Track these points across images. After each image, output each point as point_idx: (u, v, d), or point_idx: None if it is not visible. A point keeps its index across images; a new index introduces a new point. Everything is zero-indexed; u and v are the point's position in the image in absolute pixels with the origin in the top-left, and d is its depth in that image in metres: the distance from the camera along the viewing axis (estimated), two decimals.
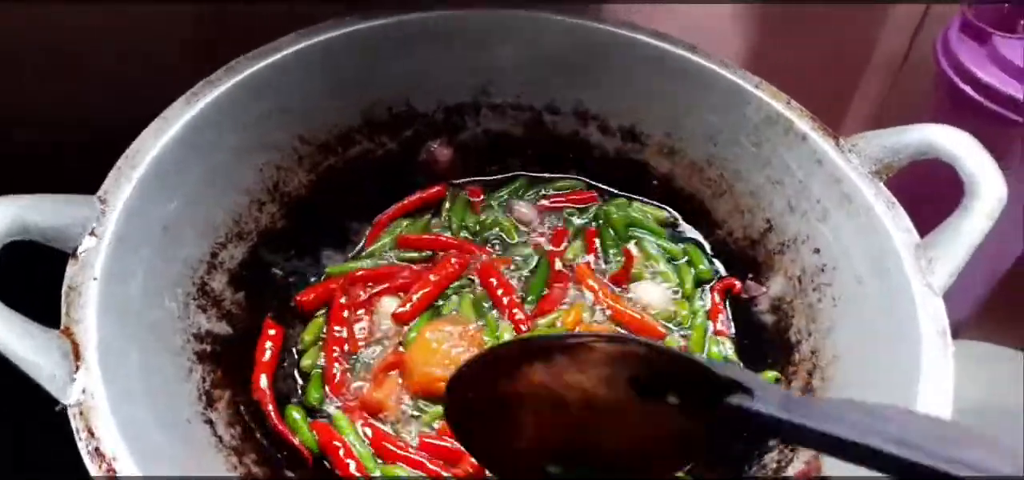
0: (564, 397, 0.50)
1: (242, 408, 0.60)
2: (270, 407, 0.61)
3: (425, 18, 0.76)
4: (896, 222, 0.63)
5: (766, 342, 0.69)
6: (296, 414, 0.63)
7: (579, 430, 0.52)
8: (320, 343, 0.69)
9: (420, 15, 0.75)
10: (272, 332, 0.66)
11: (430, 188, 0.81)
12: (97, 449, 0.48)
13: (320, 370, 0.67)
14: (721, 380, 0.44)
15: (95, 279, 0.54)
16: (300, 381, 0.67)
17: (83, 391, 0.50)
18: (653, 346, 0.51)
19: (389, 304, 0.71)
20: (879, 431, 0.38)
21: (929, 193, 0.66)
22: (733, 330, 0.73)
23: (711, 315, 0.73)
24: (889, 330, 0.60)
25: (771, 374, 0.66)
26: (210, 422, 0.57)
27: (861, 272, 0.65)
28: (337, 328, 0.69)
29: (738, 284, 0.74)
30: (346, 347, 0.68)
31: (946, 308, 0.59)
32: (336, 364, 0.67)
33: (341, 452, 0.61)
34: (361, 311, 0.71)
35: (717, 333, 0.71)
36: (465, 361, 0.53)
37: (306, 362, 0.67)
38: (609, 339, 0.50)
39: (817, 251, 0.69)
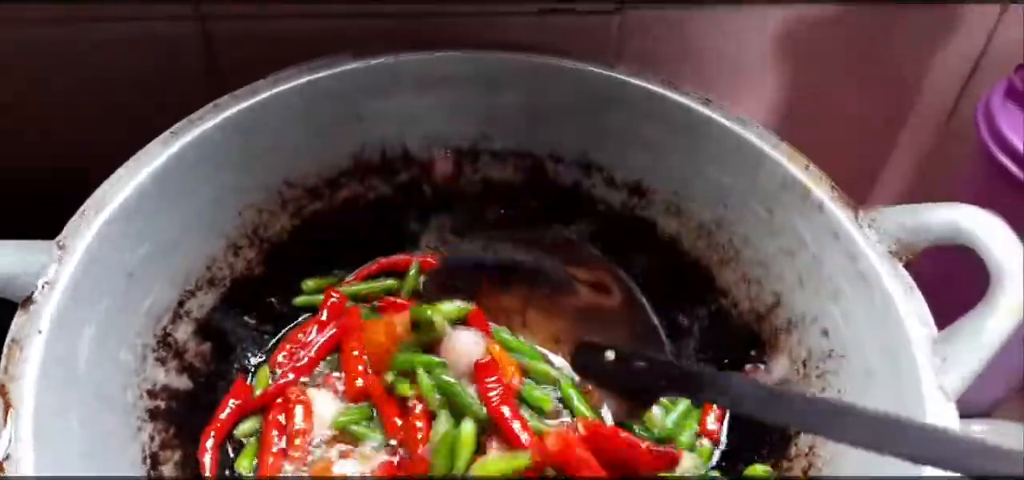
0: None
1: (192, 470, 0.58)
2: (207, 472, 0.58)
3: (424, 60, 0.72)
4: (913, 311, 0.57)
5: (762, 430, 0.63)
6: None
7: None
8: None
9: (418, 56, 0.72)
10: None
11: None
12: None
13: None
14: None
15: (40, 332, 0.52)
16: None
17: (7, 457, 0.48)
18: None
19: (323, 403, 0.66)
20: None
21: (955, 276, 0.60)
22: (724, 434, 0.68)
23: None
24: None
25: (761, 468, 0.60)
26: None
27: (871, 363, 0.59)
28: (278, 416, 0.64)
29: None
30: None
31: (983, 385, 0.54)
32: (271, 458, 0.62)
33: None
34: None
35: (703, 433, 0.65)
36: None
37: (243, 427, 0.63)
38: None
39: (825, 333, 0.63)
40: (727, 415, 0.69)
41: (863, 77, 0.89)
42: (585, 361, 0.69)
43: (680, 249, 0.74)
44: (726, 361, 0.70)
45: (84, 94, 0.77)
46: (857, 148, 0.93)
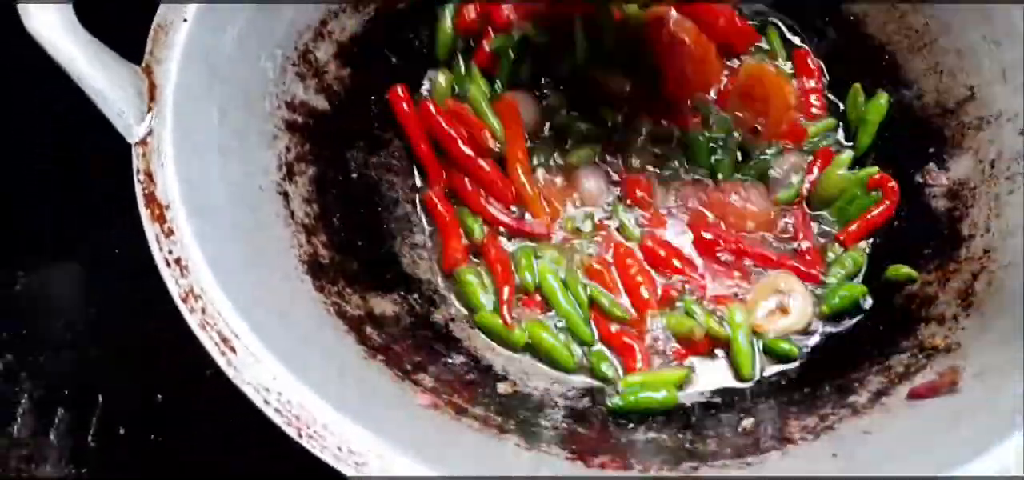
0: None
1: (325, 188, 0.57)
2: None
3: None
4: None
5: (930, 230, 0.57)
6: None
7: None
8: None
9: None
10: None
11: None
12: (152, 194, 0.46)
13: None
14: None
15: (185, 20, 0.51)
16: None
17: (150, 133, 0.48)
18: None
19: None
20: None
21: None
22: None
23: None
24: None
25: (905, 270, 0.58)
26: (285, 194, 0.54)
27: None
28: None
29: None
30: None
31: None
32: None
33: None
34: None
35: None
36: None
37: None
38: None
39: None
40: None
41: None
42: None
43: (863, 32, 0.65)
44: (900, 158, 0.63)
45: None
46: None
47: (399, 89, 0.65)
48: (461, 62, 0.68)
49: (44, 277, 0.66)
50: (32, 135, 0.69)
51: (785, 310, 0.59)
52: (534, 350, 0.59)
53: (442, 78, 0.67)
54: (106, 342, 0.63)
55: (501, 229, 0.63)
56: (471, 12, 0.67)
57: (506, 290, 0.60)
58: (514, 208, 0.64)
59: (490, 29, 0.67)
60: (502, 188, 0.63)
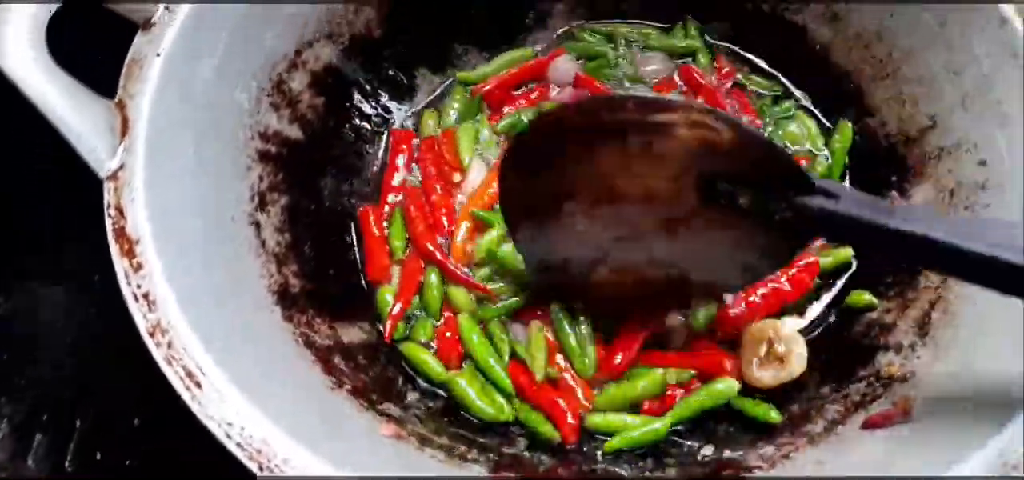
0: (622, 193, 0.50)
1: (297, 217, 0.58)
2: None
3: None
4: None
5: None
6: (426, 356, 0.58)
7: (629, 240, 0.52)
8: None
9: None
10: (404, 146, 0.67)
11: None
12: (122, 229, 0.47)
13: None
14: (804, 180, 0.45)
15: (159, 55, 0.52)
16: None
17: (122, 167, 0.49)
18: (744, 129, 0.47)
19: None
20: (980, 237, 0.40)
21: None
22: None
23: None
24: None
25: (868, 297, 0.58)
26: (257, 225, 0.55)
27: None
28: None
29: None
30: None
31: None
32: None
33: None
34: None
35: None
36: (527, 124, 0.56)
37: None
38: (692, 110, 0.47)
39: (983, 163, 0.56)
40: None
41: None
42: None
43: (829, 60, 0.66)
44: (863, 186, 0.64)
45: None
46: None
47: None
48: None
49: (24, 301, 0.67)
50: (32, 135, 0.69)
51: (780, 358, 0.55)
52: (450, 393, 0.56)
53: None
54: (85, 367, 0.64)
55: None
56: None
57: (398, 305, 0.59)
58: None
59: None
60: (438, 218, 0.63)
